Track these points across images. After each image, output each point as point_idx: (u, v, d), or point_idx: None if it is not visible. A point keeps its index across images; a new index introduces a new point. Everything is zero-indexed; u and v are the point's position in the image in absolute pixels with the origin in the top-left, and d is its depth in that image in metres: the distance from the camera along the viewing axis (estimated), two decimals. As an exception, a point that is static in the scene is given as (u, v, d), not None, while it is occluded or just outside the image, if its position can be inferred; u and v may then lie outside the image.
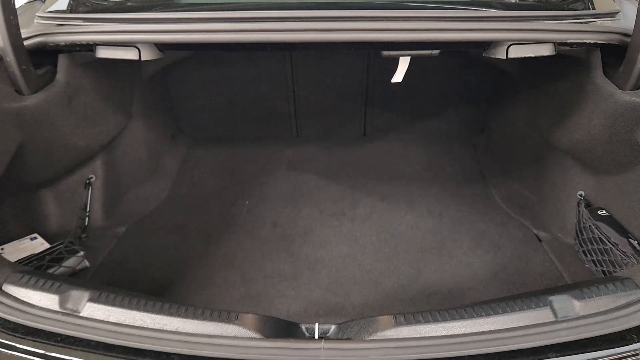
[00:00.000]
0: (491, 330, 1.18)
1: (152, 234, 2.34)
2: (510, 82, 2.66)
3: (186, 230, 2.38)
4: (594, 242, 1.95)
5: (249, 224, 2.43)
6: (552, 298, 1.25)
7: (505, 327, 1.19)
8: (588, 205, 2.10)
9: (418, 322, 1.21)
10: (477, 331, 1.18)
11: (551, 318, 1.21)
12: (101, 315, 1.21)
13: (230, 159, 2.97)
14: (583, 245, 2.03)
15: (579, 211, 2.10)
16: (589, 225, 1.99)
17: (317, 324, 1.31)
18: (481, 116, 3.04)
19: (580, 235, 2.06)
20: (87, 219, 2.31)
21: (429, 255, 2.17)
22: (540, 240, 2.24)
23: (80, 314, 1.22)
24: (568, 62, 1.93)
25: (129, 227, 2.38)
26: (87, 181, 2.34)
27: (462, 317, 1.21)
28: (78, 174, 2.32)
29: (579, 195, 2.15)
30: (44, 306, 1.22)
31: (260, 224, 2.42)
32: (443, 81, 2.90)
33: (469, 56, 2.67)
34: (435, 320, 1.21)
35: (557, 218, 2.27)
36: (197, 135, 3.16)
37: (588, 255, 2.00)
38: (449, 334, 1.18)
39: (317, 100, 3.00)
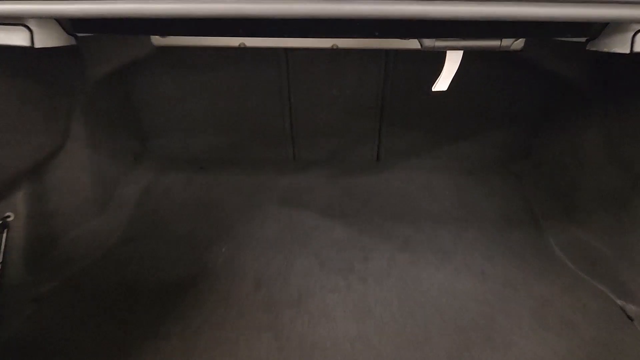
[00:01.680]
0: None
1: (87, 296, 1.71)
2: (576, 95, 2.02)
3: (136, 291, 1.74)
4: None
5: (224, 281, 1.79)
6: None
7: None
8: None
9: None
10: None
11: None
12: None
13: (207, 190, 2.33)
14: None
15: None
16: None
17: None
18: (526, 138, 2.39)
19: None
20: (-2, 274, 1.67)
21: (474, 338, 1.52)
22: (631, 319, 1.59)
23: None
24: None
25: (59, 284, 1.74)
26: (2, 221, 1.70)
27: None
28: (-12, 212, 1.69)
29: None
30: None
31: (239, 283, 1.78)
32: (477, 92, 2.26)
33: (514, 59, 2.05)
34: None
35: (653, 285, 1.63)
36: (167, 157, 2.52)
37: None
38: None
39: (320, 116, 2.37)
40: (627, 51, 1.04)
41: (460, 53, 1.35)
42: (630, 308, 1.62)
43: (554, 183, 2.20)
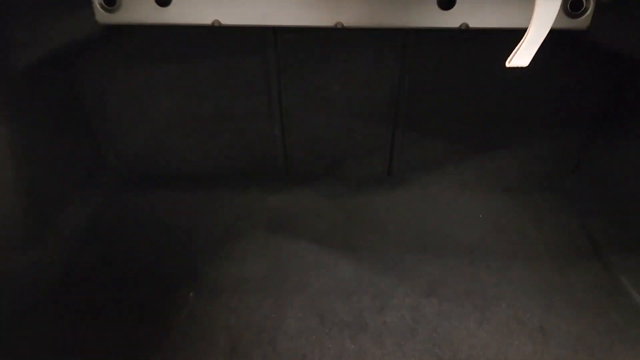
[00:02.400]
0: None
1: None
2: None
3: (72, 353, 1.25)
4: None
5: (188, 343, 1.30)
6: None
7: None
8: None
9: None
10: None
11: None
12: None
13: (176, 213, 1.83)
14: None
15: None
16: None
17: None
18: (579, 146, 1.90)
19: None
20: None
21: None
22: None
23: None
24: None
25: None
26: None
27: None
28: None
29: None
30: None
31: (207, 346, 1.29)
32: (521, 89, 1.77)
33: (570, 45, 1.57)
34: None
35: None
36: (127, 171, 2.02)
37: None
38: None
39: (318, 119, 1.88)
40: None
41: (556, 7, 0.86)
42: None
43: (619, 204, 1.71)
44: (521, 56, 0.92)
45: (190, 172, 2.02)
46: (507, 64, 0.99)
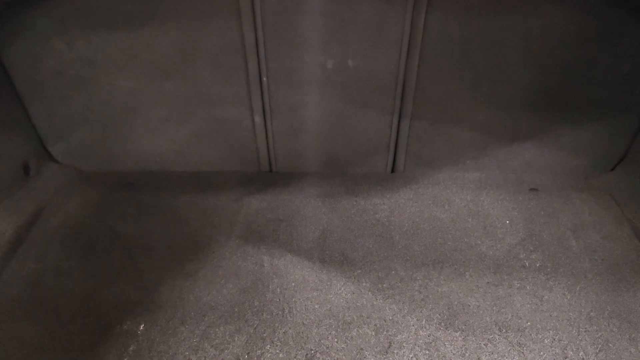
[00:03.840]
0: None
1: None
2: None
3: None
4: None
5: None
6: None
7: None
8: None
9: None
10: None
11: None
12: None
13: (134, 220, 1.50)
14: None
15: None
16: None
17: None
18: (622, 138, 1.57)
19: None
20: None
21: None
22: None
23: None
24: None
25: None
26: None
27: None
28: None
29: None
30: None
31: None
32: (549, 68, 1.43)
33: (627, 5, 1.25)
34: None
35: None
36: (75, 168, 1.67)
37: None
38: None
39: (308, 105, 1.54)
40: None
41: None
42: None
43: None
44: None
45: (150, 169, 1.68)
46: None
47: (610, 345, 1.09)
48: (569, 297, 1.23)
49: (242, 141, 1.63)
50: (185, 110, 1.55)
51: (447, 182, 1.64)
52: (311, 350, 1.08)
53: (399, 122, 1.57)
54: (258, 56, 1.43)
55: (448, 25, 1.36)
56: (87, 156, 1.66)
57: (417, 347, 1.08)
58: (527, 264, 1.33)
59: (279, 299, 1.22)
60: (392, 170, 1.72)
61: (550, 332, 1.13)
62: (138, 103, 1.54)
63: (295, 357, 1.07)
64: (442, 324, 1.15)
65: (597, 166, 1.63)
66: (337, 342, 1.10)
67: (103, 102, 1.53)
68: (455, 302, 1.21)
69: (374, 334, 1.12)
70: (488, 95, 1.49)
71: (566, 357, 1.06)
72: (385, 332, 1.12)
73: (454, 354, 1.07)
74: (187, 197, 1.57)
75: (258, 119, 1.57)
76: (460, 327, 1.14)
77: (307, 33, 1.39)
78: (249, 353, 1.08)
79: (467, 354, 1.07)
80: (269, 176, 1.69)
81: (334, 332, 1.12)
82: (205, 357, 1.07)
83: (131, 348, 1.09)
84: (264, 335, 1.12)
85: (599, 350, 1.08)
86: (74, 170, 1.67)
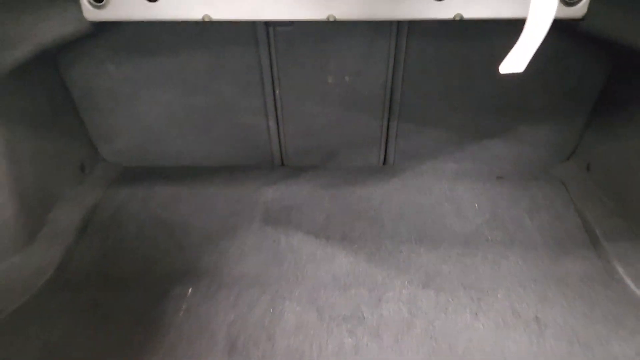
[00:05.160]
0: None
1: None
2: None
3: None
4: None
5: (185, 342, 1.31)
6: None
7: None
8: None
9: None
10: None
11: None
12: None
13: (171, 207, 1.83)
14: None
15: None
16: None
17: None
18: (575, 133, 1.90)
19: None
20: None
21: None
22: None
23: None
24: None
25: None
26: None
27: None
28: None
29: None
30: None
31: (206, 345, 1.30)
32: (517, 76, 1.75)
33: (568, 34, 1.56)
34: None
35: None
36: (121, 166, 2.01)
37: None
38: None
39: (312, 111, 1.87)
40: None
41: (553, 9, 0.85)
42: None
43: (615, 192, 1.72)
44: (514, 62, 0.91)
45: (186, 166, 2.01)
46: (501, 70, 0.98)
47: (548, 300, 1.43)
48: (521, 264, 1.56)
49: (259, 142, 1.96)
50: (212, 118, 1.88)
51: (429, 172, 1.97)
52: (320, 306, 1.42)
53: (388, 124, 1.90)
54: (272, 74, 1.76)
55: (425, 48, 1.68)
56: (131, 155, 1.99)
57: (400, 302, 1.42)
58: (489, 238, 1.66)
59: (294, 269, 1.56)
60: (384, 163, 2.05)
61: (503, 290, 1.46)
62: (172, 112, 1.87)
63: (308, 311, 1.40)
64: (420, 285, 1.49)
65: (553, 158, 1.96)
66: (340, 300, 1.44)
67: (144, 112, 1.86)
68: (431, 269, 1.55)
69: (367, 293, 1.46)
70: (460, 102, 1.82)
71: (513, 308, 1.40)
72: (376, 292, 1.46)
73: (428, 307, 1.41)
74: (215, 188, 1.90)
75: (272, 124, 1.90)
76: (434, 287, 1.48)
77: (311, 55, 1.72)
78: (273, 308, 1.42)
79: (437, 306, 1.41)
80: (282, 170, 2.02)
81: (337, 292, 1.46)
82: (240, 312, 1.41)
83: (184, 307, 1.43)
84: (284, 295, 1.46)
85: (538, 303, 1.42)
86: (122, 167, 2.01)
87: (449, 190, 1.89)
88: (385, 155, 2.01)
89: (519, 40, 0.91)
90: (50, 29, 1.40)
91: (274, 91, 1.80)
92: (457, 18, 1.39)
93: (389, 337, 1.31)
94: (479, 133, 1.93)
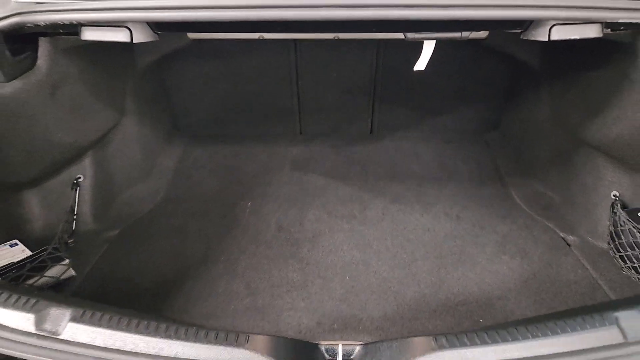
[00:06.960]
0: (552, 354, 0.99)
1: (146, 239, 2.14)
2: (530, 75, 2.49)
3: (184, 234, 2.18)
4: (635, 247, 1.77)
5: (252, 227, 2.23)
6: (618, 315, 1.06)
7: (568, 350, 1.00)
8: (624, 206, 1.92)
9: (464, 344, 1.02)
10: (535, 355, 0.99)
11: (620, 339, 1.02)
12: (85, 338, 1.02)
13: (230, 158, 2.77)
14: (621, 250, 1.85)
15: (614, 213, 1.93)
16: (628, 229, 1.81)
17: (340, 345, 1.12)
18: (495, 112, 2.86)
19: (616, 240, 1.88)
20: (74, 222, 2.11)
21: (449, 261, 1.99)
22: (568, 245, 2.06)
23: (60, 337, 1.02)
24: (607, 48, 1.75)
25: (121, 231, 2.18)
26: (75, 181, 2.14)
27: (515, 339, 1.02)
28: (65, 174, 2.12)
29: (614, 195, 1.97)
30: (16, 327, 1.02)
31: (265, 227, 2.23)
32: (454, 74, 2.72)
33: (482, 46, 2.50)
34: (484, 343, 1.02)
35: (587, 220, 2.10)
36: (195, 133, 2.96)
37: (627, 261, 1.82)
38: (503, 359, 0.99)
39: (323, 96, 2.82)
40: (546, 39, 1.49)
41: (432, 42, 1.80)
42: (569, 238, 2.09)
43: (516, 147, 2.67)
44: (419, 65, 1.86)
45: (236, 133, 2.96)
46: (414, 69, 1.92)
47: (467, 208, 2.35)
48: (454, 190, 2.48)
49: (287, 117, 2.90)
50: (255, 101, 2.82)
51: (401, 138, 2.91)
52: (330, 210, 2.34)
53: (373, 105, 2.85)
54: (297, 71, 2.70)
55: (394, 55, 2.63)
56: (200, 125, 2.94)
57: (378, 209, 2.35)
58: (436, 176, 2.60)
59: (313, 193, 2.46)
60: (370, 132, 3.00)
61: (441, 204, 2.39)
62: (229, 97, 2.80)
63: (322, 213, 2.33)
64: (391, 201, 2.42)
65: (484, 128, 2.92)
66: (341, 207, 2.35)
67: (210, 94, 2.80)
68: (398, 193, 2.47)
69: (358, 205, 2.37)
70: (420, 88, 2.77)
71: (444, 212, 2.33)
72: (363, 204, 2.38)
73: (394, 211, 2.32)
74: (258, 148, 2.84)
75: (295, 105, 2.85)
76: (400, 202, 2.41)
77: (323, 59, 2.66)
78: (300, 213, 2.35)
79: (399, 211, 2.33)
80: (301, 136, 2.96)
81: (339, 204, 2.37)
82: (282, 213, 2.34)
83: (247, 211, 2.37)
84: (308, 206, 2.39)
85: (461, 210, 2.34)
86: (192, 135, 2.96)
87: (413, 148, 2.83)
88: (371, 126, 2.96)
89: (421, 55, 1.86)
90: (170, 45, 2.34)
91: (297, 83, 2.75)
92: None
93: (370, 224, 2.25)
94: (434, 111, 2.88)
